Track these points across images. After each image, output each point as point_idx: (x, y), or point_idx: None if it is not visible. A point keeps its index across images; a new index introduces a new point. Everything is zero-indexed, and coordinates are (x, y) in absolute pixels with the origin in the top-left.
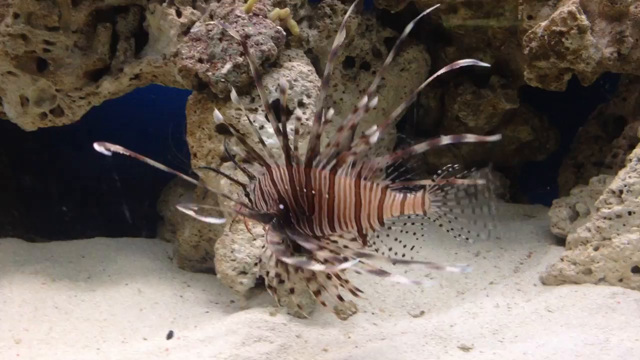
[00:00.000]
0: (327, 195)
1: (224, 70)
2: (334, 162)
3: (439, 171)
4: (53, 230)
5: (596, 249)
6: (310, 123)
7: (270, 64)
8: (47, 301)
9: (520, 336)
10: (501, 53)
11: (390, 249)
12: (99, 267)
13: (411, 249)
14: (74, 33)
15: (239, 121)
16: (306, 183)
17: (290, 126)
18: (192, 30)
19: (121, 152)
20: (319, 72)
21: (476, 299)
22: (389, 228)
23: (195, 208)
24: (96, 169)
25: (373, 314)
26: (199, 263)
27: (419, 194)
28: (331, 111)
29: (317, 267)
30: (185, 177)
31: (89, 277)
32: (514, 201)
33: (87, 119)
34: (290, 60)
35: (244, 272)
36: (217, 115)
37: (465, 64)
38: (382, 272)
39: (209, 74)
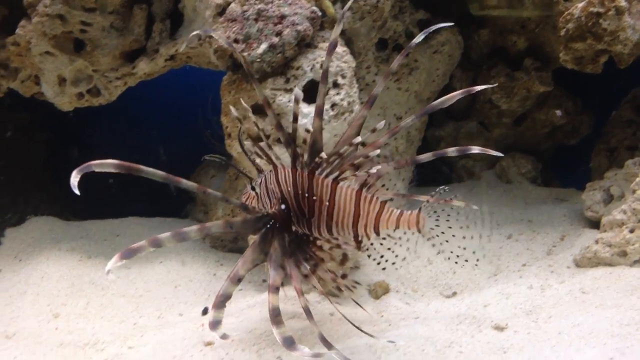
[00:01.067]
0: (327, 203)
1: (260, 51)
2: (336, 173)
3: (433, 193)
4: (87, 209)
5: (632, 231)
6: (345, 104)
7: (305, 44)
8: (84, 277)
9: (554, 317)
10: (536, 35)
11: (382, 256)
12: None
13: (403, 259)
14: (110, 14)
15: (274, 101)
16: (308, 188)
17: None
18: (227, 11)
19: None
20: (352, 53)
21: (509, 281)
22: (384, 238)
23: None
24: (130, 149)
25: (405, 293)
26: (230, 243)
27: (415, 211)
28: (382, 122)
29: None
30: (186, 182)
31: None
32: (546, 185)
33: (122, 99)
34: (324, 42)
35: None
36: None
37: (482, 89)
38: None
39: (245, 54)
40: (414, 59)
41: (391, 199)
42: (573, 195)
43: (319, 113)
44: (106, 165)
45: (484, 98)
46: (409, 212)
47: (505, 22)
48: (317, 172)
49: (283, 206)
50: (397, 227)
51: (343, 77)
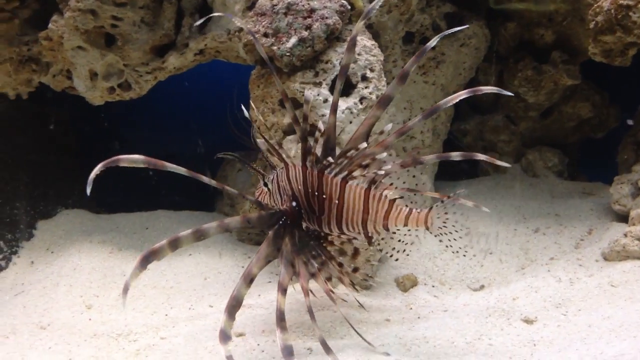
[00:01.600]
0: (337, 201)
1: (289, 45)
2: (345, 172)
3: (451, 194)
4: (116, 202)
5: None
6: (374, 97)
7: (335, 38)
8: (115, 269)
9: (584, 310)
10: (563, 28)
11: (393, 248)
12: (162, 238)
13: (411, 244)
14: (141, 9)
15: (303, 95)
16: (318, 186)
17: (353, 100)
18: (257, 5)
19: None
20: (380, 47)
21: (538, 274)
22: (394, 232)
23: None
24: (158, 144)
25: (433, 286)
26: (257, 236)
27: (425, 211)
28: (389, 125)
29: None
30: (207, 179)
31: None
32: (572, 179)
33: (152, 93)
34: None
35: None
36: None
37: (490, 91)
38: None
39: (274, 48)
40: (440, 52)
41: (401, 197)
42: (600, 189)
43: (334, 109)
44: (133, 160)
45: (510, 91)
46: (419, 210)
47: (532, 15)
48: (326, 171)
49: (294, 203)
50: (405, 225)
51: (372, 70)
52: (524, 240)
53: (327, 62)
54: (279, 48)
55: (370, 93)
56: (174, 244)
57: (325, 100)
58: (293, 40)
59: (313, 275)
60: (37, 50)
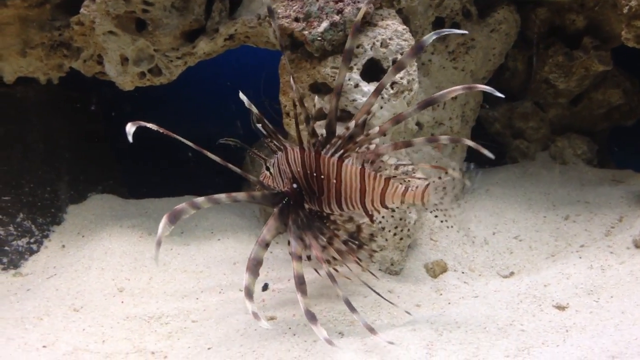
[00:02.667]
0: (334, 181)
1: (321, 29)
2: (341, 152)
3: (446, 171)
4: (145, 188)
5: None
6: (405, 82)
7: (365, 22)
8: (145, 253)
9: (616, 296)
10: (595, 14)
11: (396, 227)
12: (191, 224)
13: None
14: None
15: (334, 79)
16: (316, 167)
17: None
18: None
19: (155, 129)
20: (409, 32)
21: (568, 261)
22: (393, 210)
23: None
24: (186, 130)
25: (463, 273)
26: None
27: (421, 187)
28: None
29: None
30: (211, 155)
31: (182, 232)
32: (601, 166)
33: (180, 79)
34: (382, 20)
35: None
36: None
37: (484, 90)
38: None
39: (305, 32)
40: (470, 38)
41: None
42: (630, 176)
43: (337, 93)
44: (149, 126)
45: (539, 78)
46: (415, 187)
47: (564, 0)
48: (322, 152)
49: (295, 185)
50: (402, 202)
51: (403, 55)
52: (553, 228)
53: (358, 47)
54: (310, 32)
55: (401, 78)
56: (193, 205)
57: (356, 85)
58: (324, 24)
59: (324, 248)
60: (68, 36)
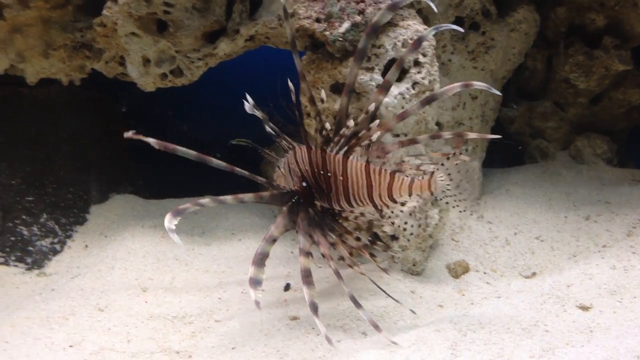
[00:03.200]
0: (341, 177)
1: (342, 30)
2: (345, 148)
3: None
4: (166, 188)
5: None
6: (427, 82)
7: (387, 22)
8: (168, 253)
9: (639, 297)
10: (615, 13)
11: (405, 223)
12: (212, 224)
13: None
14: None
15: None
16: (322, 165)
17: (405, 86)
18: None
19: (153, 144)
20: None
21: (590, 261)
22: (402, 204)
23: None
24: (204, 131)
25: (485, 273)
26: None
27: (427, 177)
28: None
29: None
30: (216, 161)
31: (203, 232)
32: (621, 166)
33: (200, 81)
34: (403, 20)
35: (357, 229)
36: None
37: (480, 87)
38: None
39: (327, 33)
40: (490, 37)
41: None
42: None
43: (347, 92)
44: (149, 142)
45: (559, 77)
46: (420, 178)
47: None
48: (328, 150)
49: (304, 183)
50: (410, 194)
51: (424, 55)
52: (574, 228)
53: (379, 47)
54: (331, 33)
55: (422, 78)
56: (197, 204)
57: (378, 86)
58: (346, 25)
59: (333, 245)
60: (90, 37)
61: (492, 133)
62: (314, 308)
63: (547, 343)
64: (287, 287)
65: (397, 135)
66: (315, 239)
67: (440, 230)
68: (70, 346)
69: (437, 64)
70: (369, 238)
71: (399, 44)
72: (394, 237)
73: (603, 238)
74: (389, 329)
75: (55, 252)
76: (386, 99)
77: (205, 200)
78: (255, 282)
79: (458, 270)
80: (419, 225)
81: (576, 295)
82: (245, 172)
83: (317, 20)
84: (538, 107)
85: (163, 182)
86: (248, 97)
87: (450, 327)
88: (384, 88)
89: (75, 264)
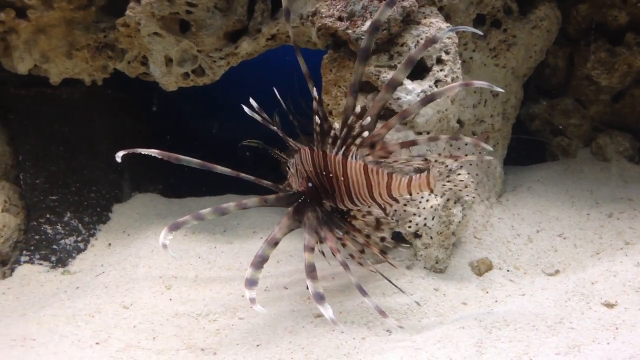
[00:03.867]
0: (342, 178)
1: (365, 28)
2: (343, 149)
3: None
4: (187, 187)
5: None
6: (449, 80)
7: (409, 20)
8: (190, 251)
9: None
10: (638, 10)
11: (410, 221)
12: (233, 222)
13: (424, 225)
14: None
15: (378, 78)
16: (324, 166)
17: (428, 83)
18: None
19: (156, 155)
20: None
21: (614, 259)
22: (405, 204)
23: None
24: (224, 127)
25: (508, 271)
26: None
27: (424, 175)
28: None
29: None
30: (221, 168)
31: (224, 230)
32: None
33: (221, 80)
34: (425, 18)
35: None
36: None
37: (482, 86)
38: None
39: (349, 31)
40: (512, 35)
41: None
42: None
43: (352, 91)
44: (151, 152)
45: (581, 74)
46: (418, 176)
47: None
48: (327, 150)
49: (310, 184)
50: (409, 192)
51: (447, 53)
52: (597, 225)
53: (402, 45)
54: (354, 32)
55: (445, 76)
56: (197, 217)
57: (401, 84)
58: (368, 23)
59: (340, 240)
60: (113, 37)
61: (513, 130)
62: (319, 297)
63: (573, 340)
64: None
65: (420, 133)
66: (322, 235)
67: (464, 228)
68: (97, 343)
69: (459, 61)
70: (380, 235)
71: (422, 41)
72: (416, 235)
73: (626, 235)
74: (413, 327)
75: (79, 251)
76: (409, 97)
77: (206, 211)
78: (251, 283)
79: (481, 268)
80: (442, 223)
81: (601, 293)
82: (251, 177)
83: (340, 18)
84: (559, 104)
85: (185, 180)
86: (252, 101)
87: (475, 325)
88: (391, 86)
89: (99, 262)
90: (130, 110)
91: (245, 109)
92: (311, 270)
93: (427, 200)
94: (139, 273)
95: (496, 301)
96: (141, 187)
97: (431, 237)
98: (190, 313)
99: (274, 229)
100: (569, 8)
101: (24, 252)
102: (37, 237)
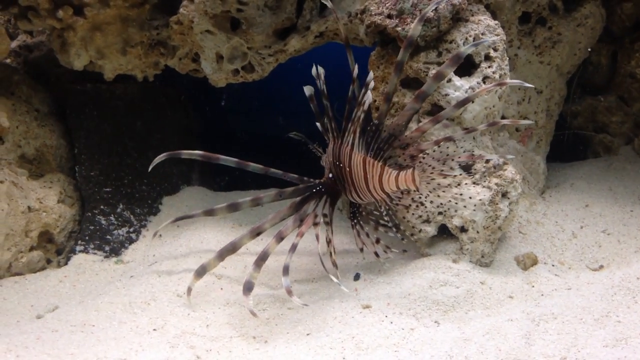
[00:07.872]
0: (348, 169)
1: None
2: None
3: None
4: (233, 181)
5: None
6: (497, 77)
7: (458, 18)
8: None
9: None
10: None
11: (487, 219)
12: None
13: (488, 219)
14: None
15: (426, 74)
16: (338, 156)
17: (475, 80)
18: None
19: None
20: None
21: None
22: (400, 198)
23: None
24: (271, 124)
25: (553, 265)
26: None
27: (410, 170)
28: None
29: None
30: (253, 165)
31: None
32: None
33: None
34: (473, 15)
35: (427, 221)
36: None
37: (514, 84)
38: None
39: (398, 29)
40: (557, 32)
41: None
42: None
43: (386, 100)
44: (193, 155)
45: (624, 72)
46: (405, 171)
47: None
48: (341, 142)
49: (330, 175)
50: (397, 187)
51: (495, 49)
52: None
53: (451, 42)
54: (403, 29)
55: (493, 72)
56: (209, 213)
57: (449, 80)
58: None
59: (316, 225)
60: (165, 34)
61: (557, 128)
62: (248, 288)
63: (620, 333)
64: (357, 277)
65: (467, 129)
66: (303, 220)
67: (510, 223)
68: (154, 330)
69: (507, 58)
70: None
71: (470, 39)
72: (462, 229)
73: None
74: (460, 319)
75: (131, 241)
76: (457, 93)
77: (219, 207)
78: (248, 288)
79: (527, 263)
80: (489, 218)
81: None
82: (279, 172)
83: (389, 16)
84: (602, 101)
85: (231, 175)
86: (319, 67)
87: (523, 317)
88: (420, 99)
89: (150, 252)
90: (180, 106)
91: (313, 70)
92: (262, 259)
93: (472, 196)
94: (190, 263)
95: (542, 295)
96: (189, 181)
97: (477, 232)
98: (241, 302)
99: (266, 219)
100: (613, 6)
101: (79, 242)
102: (91, 227)
